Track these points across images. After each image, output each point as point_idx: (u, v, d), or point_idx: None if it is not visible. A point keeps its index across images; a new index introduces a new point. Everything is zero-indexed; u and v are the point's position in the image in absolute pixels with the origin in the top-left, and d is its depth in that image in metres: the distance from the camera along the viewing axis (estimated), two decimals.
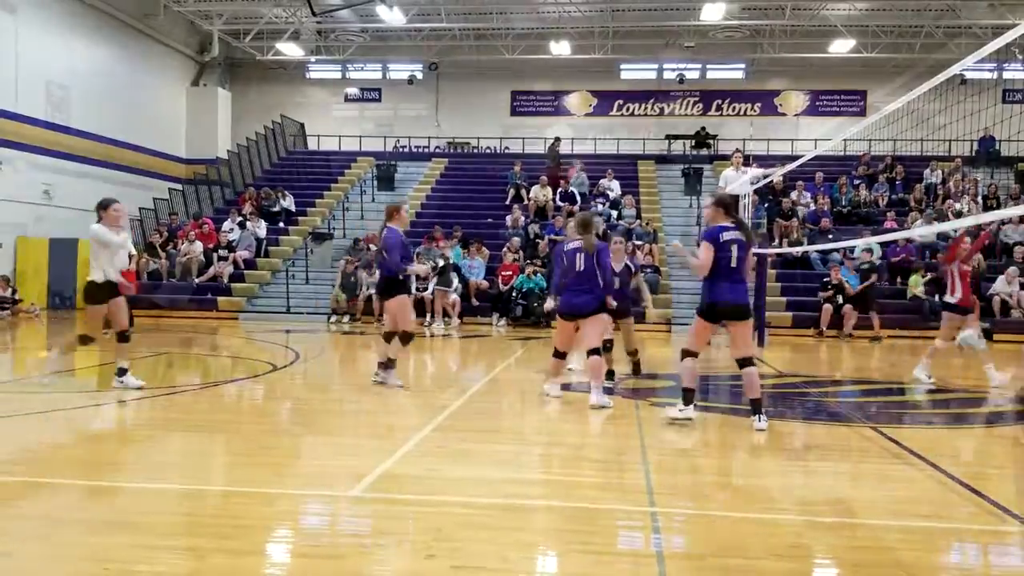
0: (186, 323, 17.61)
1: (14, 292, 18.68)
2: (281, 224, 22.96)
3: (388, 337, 8.60)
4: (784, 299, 17.83)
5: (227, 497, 4.70)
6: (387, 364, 8.52)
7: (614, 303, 8.17)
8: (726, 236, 6.65)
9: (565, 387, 8.48)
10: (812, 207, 21.07)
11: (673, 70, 29.70)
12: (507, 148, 28.90)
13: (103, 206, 8.04)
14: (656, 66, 29.84)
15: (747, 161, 19.51)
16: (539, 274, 18.31)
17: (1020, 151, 23.37)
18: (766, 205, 20.30)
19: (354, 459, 5.51)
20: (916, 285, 17.69)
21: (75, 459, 5.56)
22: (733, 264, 6.61)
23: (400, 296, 8.47)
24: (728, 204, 6.93)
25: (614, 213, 21.40)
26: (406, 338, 8.50)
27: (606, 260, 7.84)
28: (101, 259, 7.86)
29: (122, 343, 8.10)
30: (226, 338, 15.22)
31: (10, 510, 4.35)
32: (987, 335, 16.99)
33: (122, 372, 8.00)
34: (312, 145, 29.89)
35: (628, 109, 30.10)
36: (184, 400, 7.96)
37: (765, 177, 15.98)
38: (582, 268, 7.59)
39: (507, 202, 22.89)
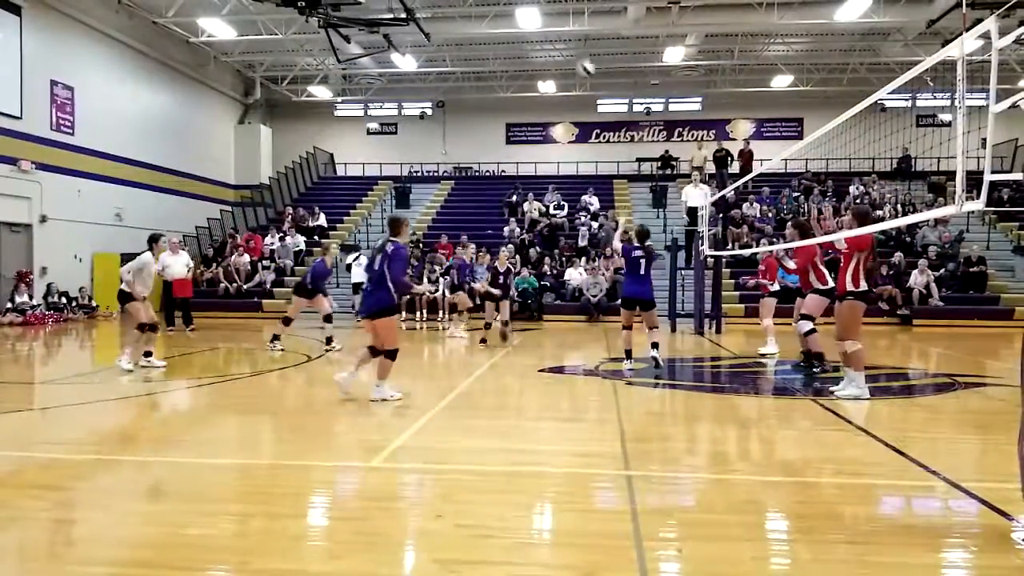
0: (237, 322, 17.50)
1: (90, 299, 18.60)
2: (315, 237, 22.84)
3: (374, 352, 6.84)
4: (737, 293, 17.76)
5: (267, 469, 4.63)
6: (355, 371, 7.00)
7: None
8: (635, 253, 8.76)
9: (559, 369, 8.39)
10: (759, 215, 20.98)
11: (641, 104, 29.61)
12: (503, 171, 28.83)
13: (155, 239, 9.37)
14: (627, 101, 29.73)
15: (704, 179, 19.45)
16: (532, 275, 18.27)
17: (931, 166, 23.39)
18: (721, 215, 20.22)
19: (375, 434, 5.45)
20: None
21: (138, 438, 5.50)
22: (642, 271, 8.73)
23: (391, 318, 6.78)
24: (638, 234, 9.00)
25: (595, 224, 21.30)
26: (393, 355, 6.77)
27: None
28: (138, 279, 8.93)
29: (141, 332, 8.83)
30: (270, 334, 15.06)
31: (81, 483, 4.28)
32: (907, 320, 17.00)
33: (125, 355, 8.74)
34: (340, 171, 29.78)
35: (604, 137, 29.99)
36: (233, 387, 7.89)
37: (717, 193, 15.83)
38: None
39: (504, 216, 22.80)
